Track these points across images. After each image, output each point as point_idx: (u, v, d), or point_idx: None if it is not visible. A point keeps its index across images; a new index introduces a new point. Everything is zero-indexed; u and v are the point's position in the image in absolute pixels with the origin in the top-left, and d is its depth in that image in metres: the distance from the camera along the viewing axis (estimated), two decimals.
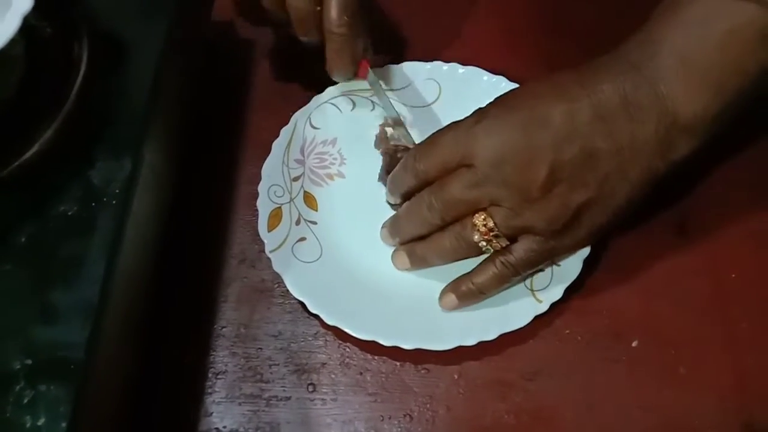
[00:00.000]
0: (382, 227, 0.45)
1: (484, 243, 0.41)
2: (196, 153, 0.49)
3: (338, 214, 0.47)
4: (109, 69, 0.40)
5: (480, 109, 0.41)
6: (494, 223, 0.40)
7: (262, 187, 0.46)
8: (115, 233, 0.36)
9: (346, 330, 0.42)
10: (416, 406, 0.42)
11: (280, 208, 0.46)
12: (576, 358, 0.43)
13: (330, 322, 0.42)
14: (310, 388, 0.43)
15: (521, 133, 0.38)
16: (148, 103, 0.40)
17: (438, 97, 0.50)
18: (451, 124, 0.41)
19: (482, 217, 0.40)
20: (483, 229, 0.40)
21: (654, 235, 0.46)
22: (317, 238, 0.46)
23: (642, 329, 0.43)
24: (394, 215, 0.45)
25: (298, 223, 0.46)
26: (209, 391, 0.43)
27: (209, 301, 0.45)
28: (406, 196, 0.44)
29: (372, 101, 0.50)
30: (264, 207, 0.46)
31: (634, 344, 0.43)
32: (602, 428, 0.41)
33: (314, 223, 0.46)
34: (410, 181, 0.42)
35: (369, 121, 0.49)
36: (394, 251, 0.45)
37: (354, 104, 0.50)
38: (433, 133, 0.42)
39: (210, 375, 0.43)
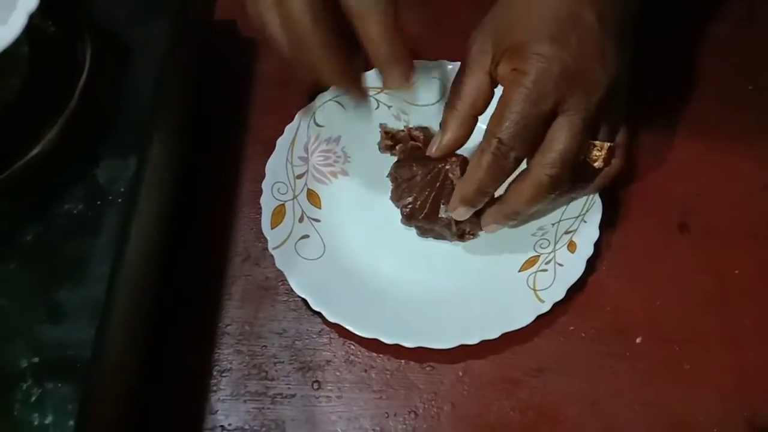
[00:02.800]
0: (456, 203, 0.42)
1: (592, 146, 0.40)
2: (200, 151, 0.49)
3: (341, 212, 0.47)
4: (112, 68, 0.40)
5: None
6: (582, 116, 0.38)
7: (266, 184, 0.47)
8: (120, 232, 0.36)
9: (348, 327, 0.42)
10: (421, 403, 0.42)
11: (283, 205, 0.46)
12: (580, 355, 0.43)
13: (332, 319, 0.42)
14: (315, 386, 0.43)
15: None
16: (152, 102, 0.40)
17: (442, 96, 0.50)
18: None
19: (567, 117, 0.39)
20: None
21: (656, 233, 0.46)
22: (320, 236, 0.46)
23: (645, 326, 0.44)
24: (461, 185, 0.42)
25: (301, 220, 0.46)
26: (214, 389, 0.43)
27: (213, 299, 0.45)
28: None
29: (376, 99, 0.50)
30: (267, 204, 0.46)
31: (638, 341, 0.43)
32: (607, 424, 0.41)
33: (317, 220, 0.47)
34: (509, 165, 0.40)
35: (373, 119, 0.49)
36: (487, 221, 0.43)
37: None
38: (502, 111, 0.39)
39: (215, 373, 0.43)
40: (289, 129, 0.49)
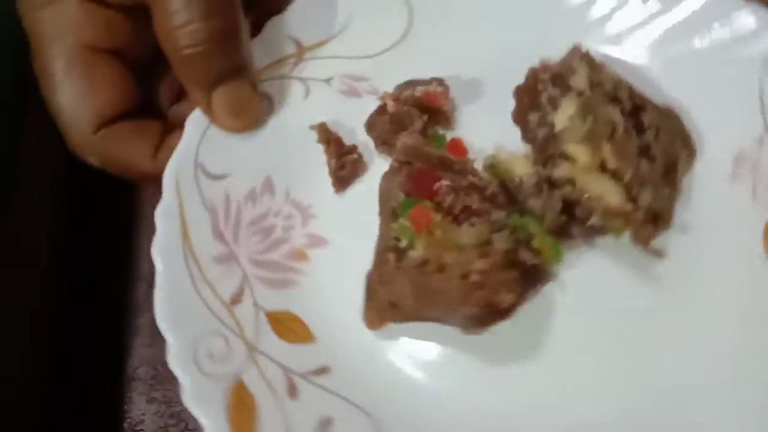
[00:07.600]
0: None
1: None
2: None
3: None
4: None
5: None
6: None
7: (175, 352, 0.30)
8: None
9: None
10: None
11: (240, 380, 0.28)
12: None
13: None
14: None
15: None
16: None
17: (409, 30, 0.32)
18: None
19: None
20: None
21: None
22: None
23: None
24: None
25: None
26: None
27: (118, 337, 0.39)
28: None
29: (305, 83, 0.36)
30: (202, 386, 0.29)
31: None
32: None
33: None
34: None
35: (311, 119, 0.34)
36: None
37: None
38: None
39: (125, 427, 0.38)
40: (162, 216, 0.30)
